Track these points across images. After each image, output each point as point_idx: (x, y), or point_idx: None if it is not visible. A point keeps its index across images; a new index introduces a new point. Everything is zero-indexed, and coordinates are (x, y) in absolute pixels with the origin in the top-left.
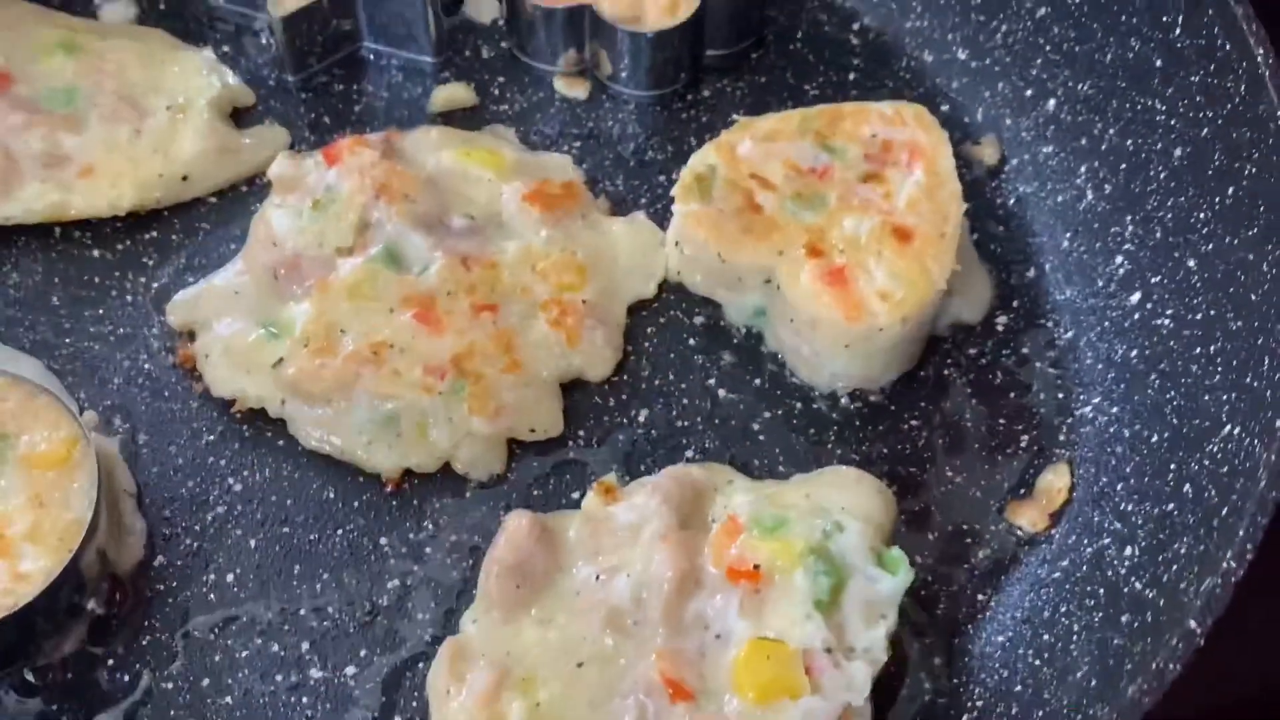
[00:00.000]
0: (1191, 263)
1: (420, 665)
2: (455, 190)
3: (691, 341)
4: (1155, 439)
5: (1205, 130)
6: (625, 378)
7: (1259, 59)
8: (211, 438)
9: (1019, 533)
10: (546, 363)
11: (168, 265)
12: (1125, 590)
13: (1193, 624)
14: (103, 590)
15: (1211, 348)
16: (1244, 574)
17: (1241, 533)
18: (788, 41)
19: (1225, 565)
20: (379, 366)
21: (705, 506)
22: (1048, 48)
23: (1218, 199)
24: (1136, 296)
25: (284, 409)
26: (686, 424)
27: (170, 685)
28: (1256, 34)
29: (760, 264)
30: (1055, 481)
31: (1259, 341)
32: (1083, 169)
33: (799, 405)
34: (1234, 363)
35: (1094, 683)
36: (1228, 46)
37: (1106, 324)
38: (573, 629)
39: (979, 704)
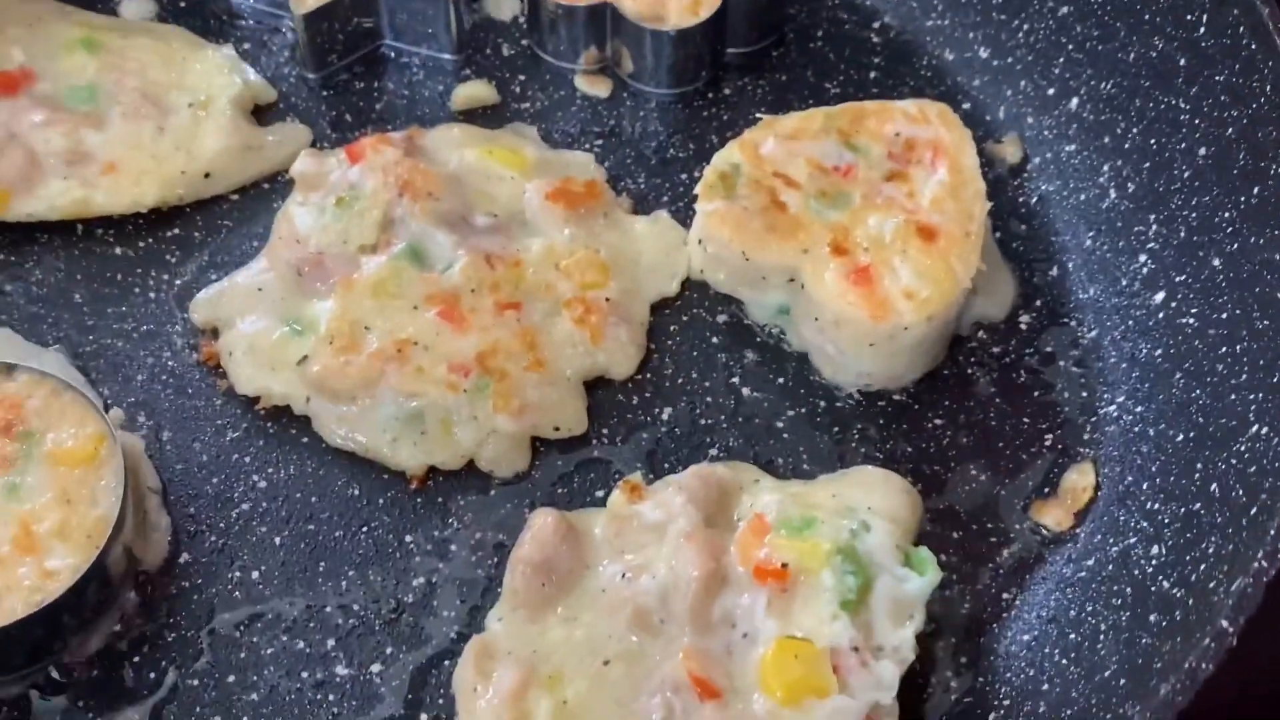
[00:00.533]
0: (1216, 262)
1: (446, 663)
2: (478, 188)
3: (715, 340)
4: (1181, 438)
5: (1230, 130)
6: (648, 376)
7: None
8: (236, 435)
9: (1044, 532)
10: (570, 361)
11: (190, 262)
12: (1153, 589)
13: (1225, 623)
14: (129, 587)
15: (1237, 347)
16: (1275, 573)
17: (1273, 532)
18: (808, 40)
19: (1257, 565)
20: (403, 364)
21: (731, 505)
22: (1070, 46)
23: (1243, 198)
24: (1161, 295)
25: (308, 406)
26: (710, 422)
27: (196, 682)
28: None
29: (784, 263)
30: (1080, 481)
31: None
32: (1106, 168)
33: (823, 404)
34: (1260, 362)
35: (1123, 682)
36: (1253, 46)
37: (1130, 323)
38: (599, 627)
39: (1005, 703)
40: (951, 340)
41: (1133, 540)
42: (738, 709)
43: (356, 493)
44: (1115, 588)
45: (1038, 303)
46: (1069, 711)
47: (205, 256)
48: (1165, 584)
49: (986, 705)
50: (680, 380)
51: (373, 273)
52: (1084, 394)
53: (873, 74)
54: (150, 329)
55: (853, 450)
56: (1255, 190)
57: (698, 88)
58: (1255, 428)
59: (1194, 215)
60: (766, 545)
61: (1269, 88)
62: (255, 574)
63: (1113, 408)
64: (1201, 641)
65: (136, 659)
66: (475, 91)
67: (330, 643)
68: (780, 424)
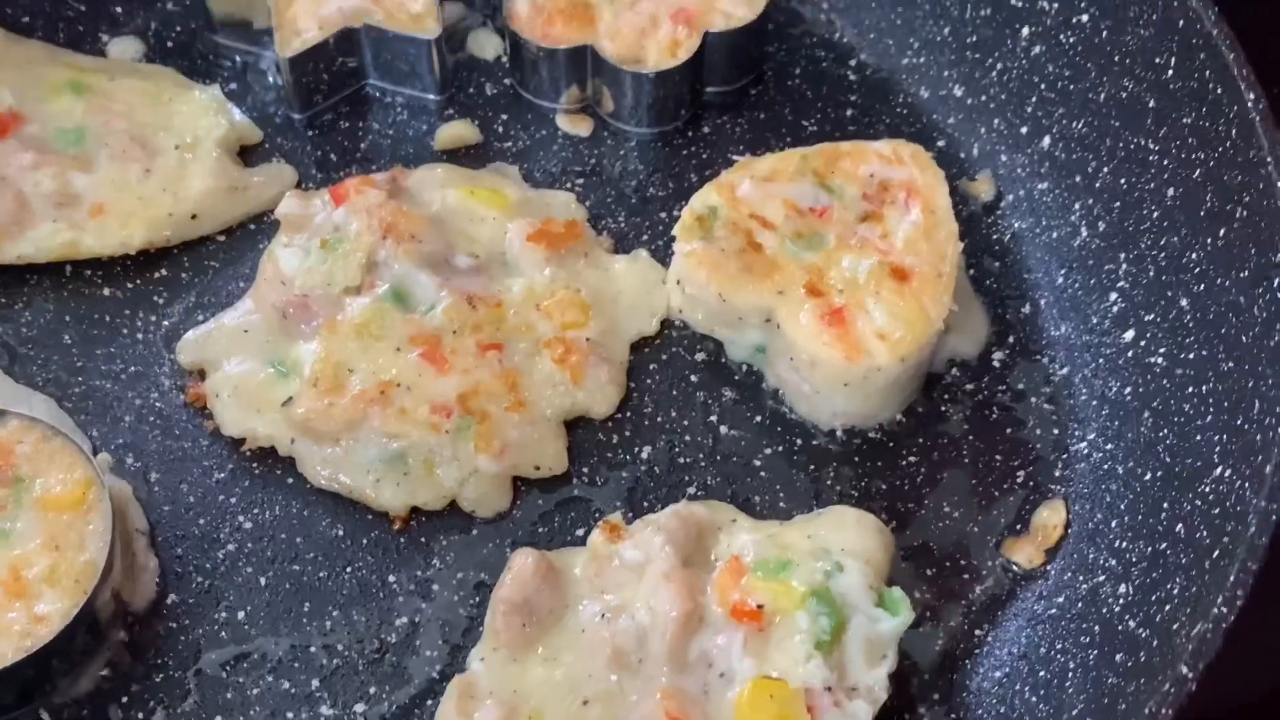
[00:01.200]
0: (1184, 302)
1: (429, 702)
2: (460, 229)
3: (693, 379)
4: (1149, 477)
5: (1197, 172)
6: (628, 415)
7: (1249, 104)
8: (222, 476)
9: (1015, 569)
10: (551, 401)
11: (178, 303)
12: (1120, 629)
13: (1184, 669)
14: (117, 629)
15: (1203, 388)
16: (1234, 619)
17: (1232, 578)
18: (786, 78)
19: (1216, 610)
20: (386, 405)
21: (709, 545)
22: (1042, 86)
23: (1209, 240)
24: (1130, 334)
25: (293, 447)
26: (689, 460)
27: None
28: (1247, 79)
29: (760, 303)
30: (1051, 518)
31: (1249, 384)
32: (1077, 206)
33: (799, 441)
34: (1225, 404)
35: None
36: (1219, 90)
37: (1101, 361)
38: (578, 667)
39: None
40: (925, 377)
41: (1101, 578)
42: None
43: (340, 533)
44: (1084, 625)
45: (1010, 340)
46: None
47: (192, 297)
48: (1131, 624)
49: None
50: (659, 419)
51: (356, 314)
52: (1055, 431)
53: (849, 111)
54: (138, 370)
55: (828, 488)
56: (1221, 232)
57: (677, 126)
58: (1219, 469)
59: (1163, 255)
60: (742, 587)
61: (1234, 131)
62: (241, 614)
63: (1083, 445)
64: (1161, 686)
65: (125, 699)
66: (458, 131)
67: (315, 683)
68: (758, 462)
